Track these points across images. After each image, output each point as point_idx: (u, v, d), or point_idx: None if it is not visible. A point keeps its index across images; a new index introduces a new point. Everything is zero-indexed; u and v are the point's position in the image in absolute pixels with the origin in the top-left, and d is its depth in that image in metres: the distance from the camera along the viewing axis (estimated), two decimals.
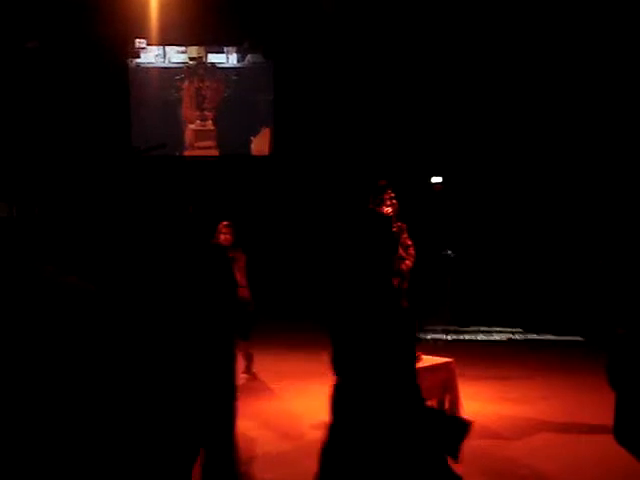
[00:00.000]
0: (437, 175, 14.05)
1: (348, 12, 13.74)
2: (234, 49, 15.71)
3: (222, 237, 8.51)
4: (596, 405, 8.15)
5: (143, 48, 15.49)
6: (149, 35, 14.71)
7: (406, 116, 14.04)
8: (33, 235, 2.19)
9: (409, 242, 7.44)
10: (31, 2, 13.19)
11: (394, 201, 7.41)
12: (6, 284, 1.47)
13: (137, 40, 15.29)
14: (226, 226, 8.65)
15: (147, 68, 15.56)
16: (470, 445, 6.79)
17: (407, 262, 7.37)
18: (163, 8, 13.78)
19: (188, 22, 13.96)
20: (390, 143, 13.94)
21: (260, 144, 15.78)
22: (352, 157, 14.05)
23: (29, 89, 13.43)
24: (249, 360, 9.13)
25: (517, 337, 11.95)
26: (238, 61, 15.80)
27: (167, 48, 15.45)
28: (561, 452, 6.96)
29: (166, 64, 15.69)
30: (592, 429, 7.22)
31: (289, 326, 12.80)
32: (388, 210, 7.37)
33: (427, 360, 7.48)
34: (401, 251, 7.36)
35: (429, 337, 11.77)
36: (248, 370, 9.18)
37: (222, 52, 15.77)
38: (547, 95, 13.14)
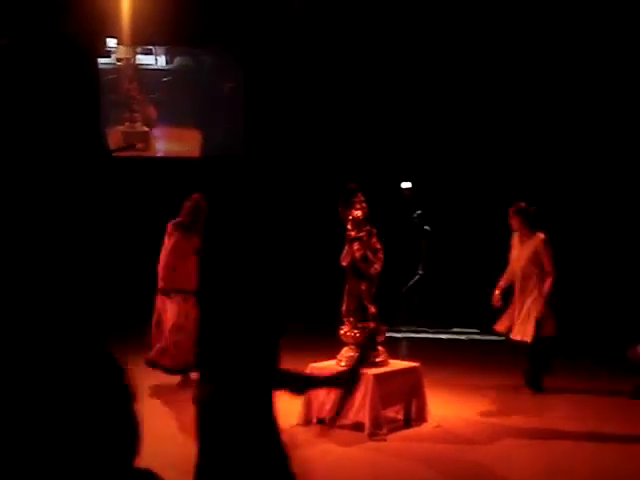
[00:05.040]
0: (407, 180, 14.06)
1: (318, 14, 13.73)
2: (163, 50, 15.49)
3: None
4: (561, 409, 8.22)
5: (114, 47, 15.28)
6: (119, 35, 14.55)
7: (377, 120, 14.04)
8: None
9: (378, 246, 7.45)
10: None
11: (364, 204, 7.43)
12: None
13: (107, 40, 15.09)
14: None
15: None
16: (435, 449, 6.83)
17: (375, 266, 7.38)
18: (135, 8, 13.67)
19: (158, 22, 13.83)
20: (360, 147, 13.93)
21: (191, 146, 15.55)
22: (322, 160, 14.01)
23: None
24: None
25: (476, 337, 11.96)
26: (167, 63, 15.61)
27: None
28: (526, 458, 7.00)
29: (99, 65, 15.39)
30: (557, 435, 7.26)
31: None
32: (357, 213, 7.38)
33: (393, 364, 7.49)
34: (370, 255, 7.37)
35: (399, 336, 11.72)
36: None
37: (150, 53, 15.54)
38: (521, 100, 13.21)
